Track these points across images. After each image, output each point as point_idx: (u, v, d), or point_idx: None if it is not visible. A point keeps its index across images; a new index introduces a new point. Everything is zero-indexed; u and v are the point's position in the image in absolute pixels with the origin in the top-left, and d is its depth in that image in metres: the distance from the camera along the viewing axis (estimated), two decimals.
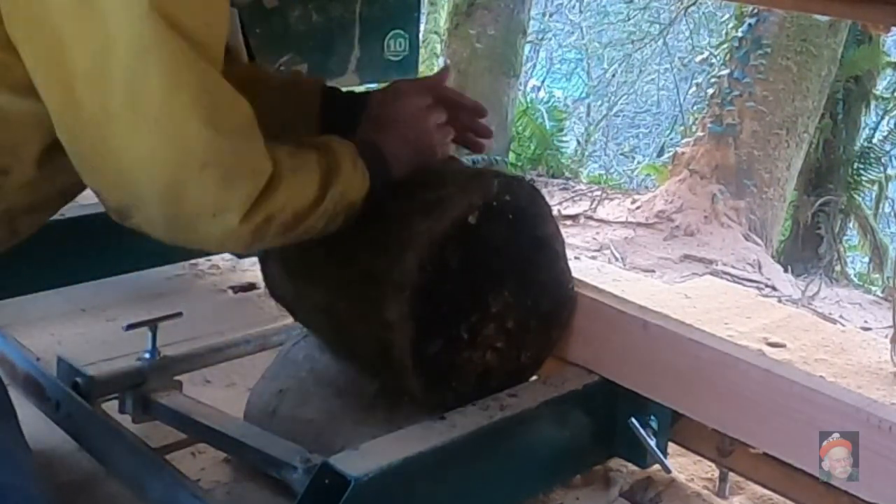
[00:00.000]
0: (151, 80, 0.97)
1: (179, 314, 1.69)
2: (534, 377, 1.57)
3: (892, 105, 6.88)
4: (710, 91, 6.12)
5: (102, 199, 1.06)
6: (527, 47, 8.09)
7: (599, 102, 10.83)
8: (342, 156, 1.23)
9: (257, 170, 1.08)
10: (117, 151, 0.99)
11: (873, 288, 6.16)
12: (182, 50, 0.98)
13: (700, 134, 6.03)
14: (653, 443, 1.52)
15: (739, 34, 5.87)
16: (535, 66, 10.74)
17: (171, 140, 0.99)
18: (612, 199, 6.27)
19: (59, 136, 1.04)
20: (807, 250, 6.39)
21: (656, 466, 1.57)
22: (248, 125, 1.07)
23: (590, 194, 6.36)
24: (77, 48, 0.96)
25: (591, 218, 5.81)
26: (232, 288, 2.31)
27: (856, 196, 6.51)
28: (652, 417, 1.52)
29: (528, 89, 9.45)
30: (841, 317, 4.63)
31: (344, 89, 1.56)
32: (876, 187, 6.75)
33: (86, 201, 1.58)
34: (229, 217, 1.06)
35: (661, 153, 9.58)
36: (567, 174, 7.28)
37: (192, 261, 2.40)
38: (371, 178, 1.27)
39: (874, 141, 6.71)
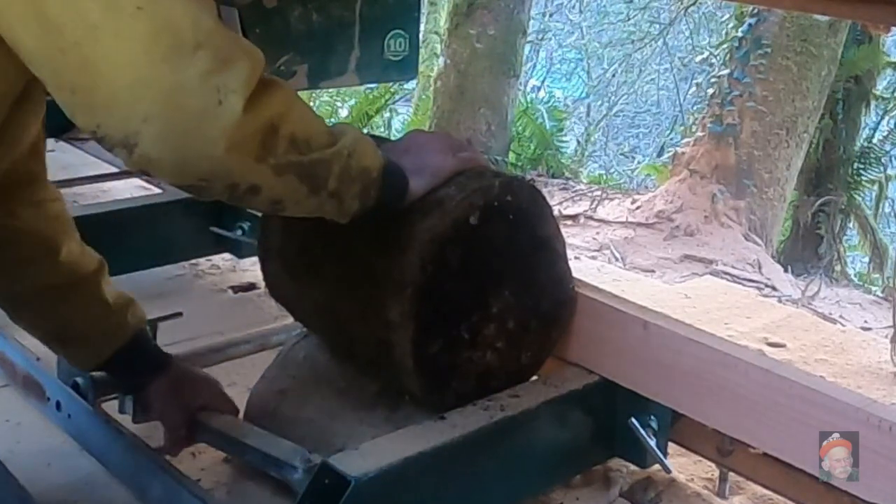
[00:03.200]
0: None
1: (179, 314, 1.69)
2: (534, 377, 1.57)
3: (892, 105, 6.87)
4: (710, 91, 6.11)
5: (103, 136, 1.00)
6: (527, 47, 8.09)
7: (599, 102, 10.84)
8: (349, 127, 1.22)
9: (250, 51, 1.04)
10: (107, 65, 0.95)
11: (873, 288, 6.16)
12: None
13: (700, 134, 6.03)
14: (653, 443, 1.52)
15: (739, 34, 5.87)
16: (535, 66, 10.74)
17: (158, 26, 0.95)
18: (612, 199, 6.27)
19: (44, 78, 1.00)
20: (807, 250, 6.38)
21: (656, 466, 1.57)
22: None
23: (590, 194, 6.35)
24: None
25: (591, 218, 5.80)
26: (232, 288, 2.32)
27: (856, 196, 6.50)
28: (652, 417, 1.52)
29: (528, 89, 9.45)
30: (841, 317, 4.62)
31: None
32: (876, 187, 6.74)
33: (86, 201, 1.59)
34: (233, 100, 0.99)
35: (661, 153, 9.57)
36: (567, 174, 7.27)
37: (193, 261, 2.40)
38: (388, 188, 1.24)
39: (874, 141, 6.70)
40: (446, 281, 1.36)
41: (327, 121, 1.21)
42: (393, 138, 1.65)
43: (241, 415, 1.57)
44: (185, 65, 0.97)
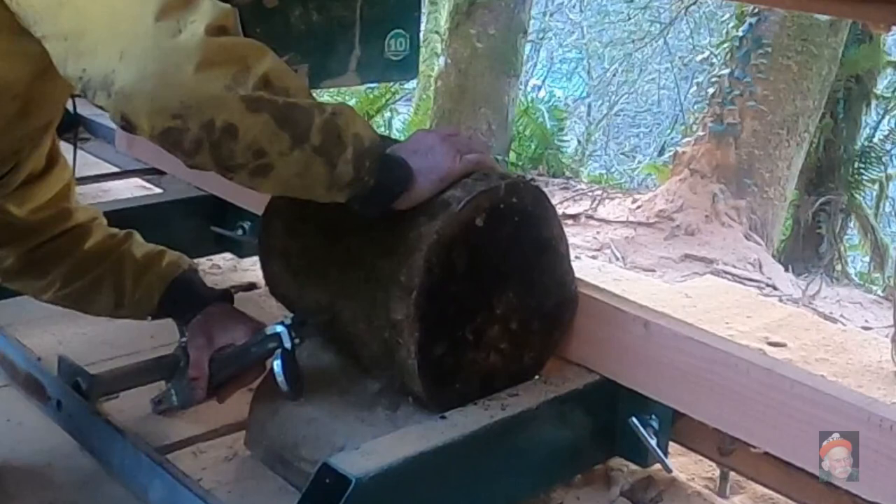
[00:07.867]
0: None
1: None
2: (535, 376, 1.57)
3: (892, 104, 6.87)
4: (711, 90, 6.11)
5: (88, 81, 1.09)
6: (527, 47, 8.10)
7: (600, 102, 10.85)
8: (342, 104, 1.26)
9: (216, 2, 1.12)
10: (94, 9, 1.08)
11: (874, 287, 6.16)
12: None
13: (701, 133, 6.03)
14: (653, 442, 1.52)
15: (740, 33, 5.87)
16: (535, 65, 10.76)
17: None
18: (612, 199, 6.26)
19: (44, 33, 1.11)
20: (807, 250, 6.38)
21: (657, 466, 1.57)
22: None
23: (590, 194, 6.35)
24: None
25: (591, 217, 5.80)
26: (232, 288, 2.31)
27: (856, 195, 6.50)
28: (653, 417, 1.52)
29: (529, 89, 9.46)
30: (842, 316, 4.62)
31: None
32: (877, 186, 6.74)
33: (86, 201, 1.59)
34: (192, 27, 1.08)
35: (661, 152, 9.58)
36: (568, 173, 7.27)
37: (193, 260, 2.40)
38: (387, 168, 1.27)
39: (875, 140, 6.70)
40: (452, 283, 1.36)
41: None
42: (393, 138, 1.65)
43: (245, 414, 1.57)
44: (148, 2, 1.07)
